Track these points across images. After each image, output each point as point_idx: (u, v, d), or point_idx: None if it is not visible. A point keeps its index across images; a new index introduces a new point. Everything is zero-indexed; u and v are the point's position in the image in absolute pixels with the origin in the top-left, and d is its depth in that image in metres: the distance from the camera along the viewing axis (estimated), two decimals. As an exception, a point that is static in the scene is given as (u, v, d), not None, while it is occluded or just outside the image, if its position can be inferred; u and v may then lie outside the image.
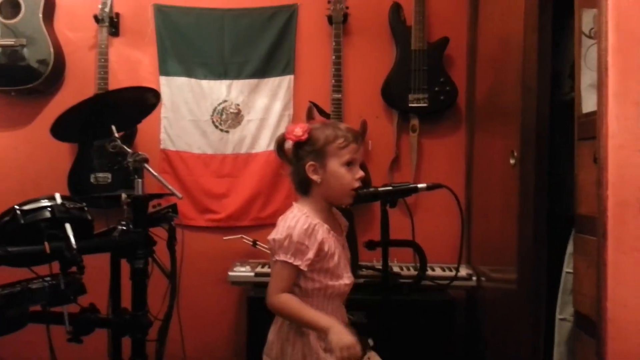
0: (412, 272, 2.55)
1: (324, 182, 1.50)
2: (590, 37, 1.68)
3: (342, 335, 1.39)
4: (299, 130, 1.50)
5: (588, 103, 1.65)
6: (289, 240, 1.45)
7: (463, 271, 2.59)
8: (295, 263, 1.44)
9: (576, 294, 1.65)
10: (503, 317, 2.29)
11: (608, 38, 1.39)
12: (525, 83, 2.05)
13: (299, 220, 1.47)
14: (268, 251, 2.79)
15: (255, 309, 2.50)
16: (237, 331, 2.91)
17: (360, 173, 1.53)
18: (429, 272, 2.50)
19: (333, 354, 1.39)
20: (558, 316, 1.94)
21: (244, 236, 2.80)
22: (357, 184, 1.52)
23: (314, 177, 1.50)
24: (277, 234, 1.48)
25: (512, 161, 2.12)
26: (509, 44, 2.25)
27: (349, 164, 1.50)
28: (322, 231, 1.49)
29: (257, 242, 2.76)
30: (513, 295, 2.10)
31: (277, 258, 1.46)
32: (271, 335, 1.58)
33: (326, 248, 1.49)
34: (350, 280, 1.57)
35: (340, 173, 1.50)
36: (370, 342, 1.54)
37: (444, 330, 2.43)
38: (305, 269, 1.46)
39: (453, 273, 2.56)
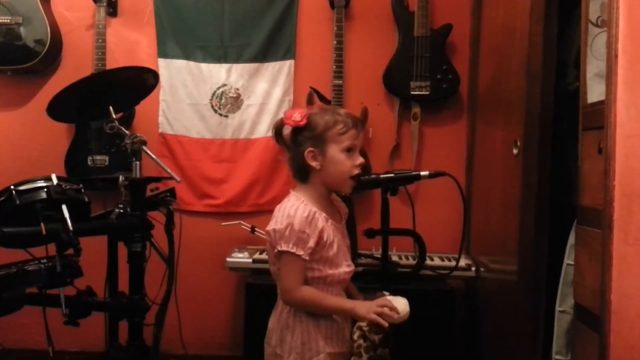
0: (411, 261, 2.54)
1: (323, 169, 1.48)
2: (597, 25, 1.65)
3: (366, 305, 1.46)
4: (298, 116, 1.47)
5: (593, 93, 1.63)
6: (290, 230, 1.42)
7: (462, 261, 2.57)
8: (298, 253, 1.42)
9: (577, 286, 1.64)
10: (502, 308, 2.28)
11: (619, 25, 1.36)
12: (530, 72, 2.03)
13: (298, 208, 1.44)
14: (266, 238, 2.79)
15: (253, 295, 2.49)
16: (235, 317, 2.91)
17: (360, 160, 1.50)
18: (428, 262, 2.50)
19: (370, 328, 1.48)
20: (558, 308, 1.93)
21: (242, 222, 2.78)
22: (356, 171, 1.50)
23: (313, 163, 1.47)
24: (276, 224, 1.45)
25: (514, 151, 2.10)
26: (513, 32, 2.22)
27: (348, 150, 1.48)
28: (321, 220, 1.46)
29: (256, 229, 2.75)
30: (513, 286, 2.09)
31: (280, 249, 1.43)
32: (271, 323, 1.57)
33: (325, 237, 1.46)
34: (350, 268, 1.56)
35: (340, 159, 1.47)
36: (387, 293, 1.54)
37: (443, 320, 2.43)
38: (307, 258, 1.43)
39: (452, 263, 2.55)
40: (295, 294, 1.45)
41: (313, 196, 1.50)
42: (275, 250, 1.45)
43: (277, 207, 1.50)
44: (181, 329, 2.38)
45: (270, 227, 1.47)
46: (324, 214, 1.48)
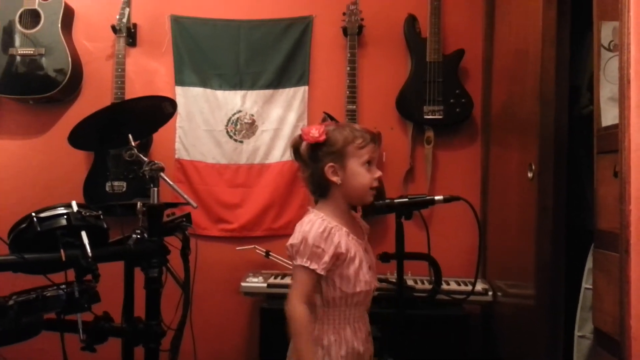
0: (427, 285, 2.52)
1: (344, 183, 1.48)
2: (609, 50, 1.66)
3: None
4: (316, 132, 1.48)
5: (607, 116, 1.63)
6: (305, 244, 1.43)
7: (479, 286, 2.55)
8: (312, 267, 1.41)
9: (596, 311, 1.62)
10: (520, 333, 2.25)
11: (630, 50, 1.37)
12: (543, 95, 2.04)
13: (314, 223, 1.45)
14: (281, 262, 2.79)
15: (267, 320, 2.49)
16: (250, 342, 2.89)
17: (379, 173, 1.52)
18: (444, 286, 2.48)
19: None
20: (577, 333, 1.90)
21: (257, 247, 2.80)
22: (376, 183, 1.51)
23: (334, 178, 1.47)
24: (293, 238, 1.46)
25: (529, 174, 2.09)
26: (526, 56, 2.23)
27: (368, 163, 1.49)
28: (340, 234, 1.46)
29: (270, 253, 2.76)
30: (530, 311, 2.07)
31: (295, 263, 1.45)
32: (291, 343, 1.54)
33: (344, 251, 1.45)
34: (374, 285, 1.53)
35: (361, 173, 1.48)
36: None
37: (459, 345, 2.40)
38: (323, 273, 1.42)
39: (468, 287, 2.52)
40: (293, 305, 1.42)
41: (334, 212, 1.50)
42: (292, 264, 1.46)
43: (298, 223, 1.51)
44: (196, 354, 2.37)
45: (288, 242, 1.48)
46: (345, 229, 1.48)
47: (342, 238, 1.46)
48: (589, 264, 1.87)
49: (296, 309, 1.42)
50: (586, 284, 1.89)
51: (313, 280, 1.44)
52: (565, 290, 2.00)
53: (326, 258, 1.42)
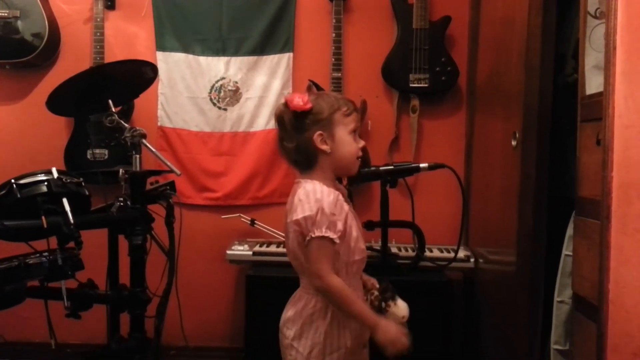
0: (410, 253, 2.56)
1: (333, 152, 1.44)
2: (595, 17, 1.65)
3: (387, 331, 1.40)
4: (300, 100, 1.43)
5: (592, 84, 1.63)
6: (321, 213, 1.36)
7: (461, 253, 2.59)
8: (331, 236, 1.37)
9: (575, 276, 1.65)
10: (501, 299, 2.30)
11: (617, 16, 1.36)
12: (529, 64, 2.03)
13: (322, 191, 1.40)
14: (266, 230, 2.79)
15: (253, 287, 2.50)
16: (235, 309, 2.92)
17: (362, 142, 1.50)
18: (427, 253, 2.51)
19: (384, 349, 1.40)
20: (556, 298, 1.95)
21: (242, 215, 2.80)
22: (361, 153, 1.49)
23: (323, 147, 1.43)
24: (305, 211, 1.37)
25: (513, 143, 2.10)
26: (512, 24, 2.22)
27: (353, 132, 1.47)
28: (344, 202, 1.44)
29: (256, 221, 2.76)
30: (511, 277, 2.11)
31: (314, 235, 1.36)
32: (291, 312, 1.49)
33: (349, 220, 1.43)
34: (366, 253, 1.52)
35: (348, 141, 1.45)
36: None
37: (441, 311, 2.44)
38: (339, 241, 1.39)
39: (451, 254, 2.56)
40: (328, 279, 1.37)
41: (324, 182, 1.45)
42: (307, 239, 1.38)
43: (296, 197, 1.42)
44: (182, 321, 2.39)
45: (298, 216, 1.39)
46: (341, 196, 1.45)
47: (346, 206, 1.44)
48: (569, 231, 1.90)
49: (332, 282, 1.38)
50: (566, 250, 1.92)
51: (333, 249, 1.39)
52: (545, 257, 2.04)
53: (340, 226, 1.38)
